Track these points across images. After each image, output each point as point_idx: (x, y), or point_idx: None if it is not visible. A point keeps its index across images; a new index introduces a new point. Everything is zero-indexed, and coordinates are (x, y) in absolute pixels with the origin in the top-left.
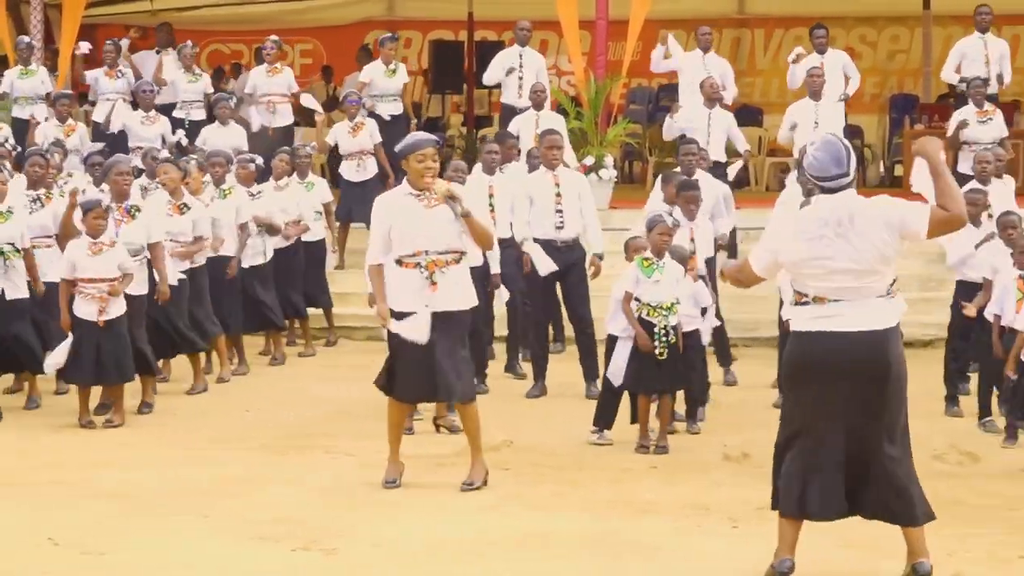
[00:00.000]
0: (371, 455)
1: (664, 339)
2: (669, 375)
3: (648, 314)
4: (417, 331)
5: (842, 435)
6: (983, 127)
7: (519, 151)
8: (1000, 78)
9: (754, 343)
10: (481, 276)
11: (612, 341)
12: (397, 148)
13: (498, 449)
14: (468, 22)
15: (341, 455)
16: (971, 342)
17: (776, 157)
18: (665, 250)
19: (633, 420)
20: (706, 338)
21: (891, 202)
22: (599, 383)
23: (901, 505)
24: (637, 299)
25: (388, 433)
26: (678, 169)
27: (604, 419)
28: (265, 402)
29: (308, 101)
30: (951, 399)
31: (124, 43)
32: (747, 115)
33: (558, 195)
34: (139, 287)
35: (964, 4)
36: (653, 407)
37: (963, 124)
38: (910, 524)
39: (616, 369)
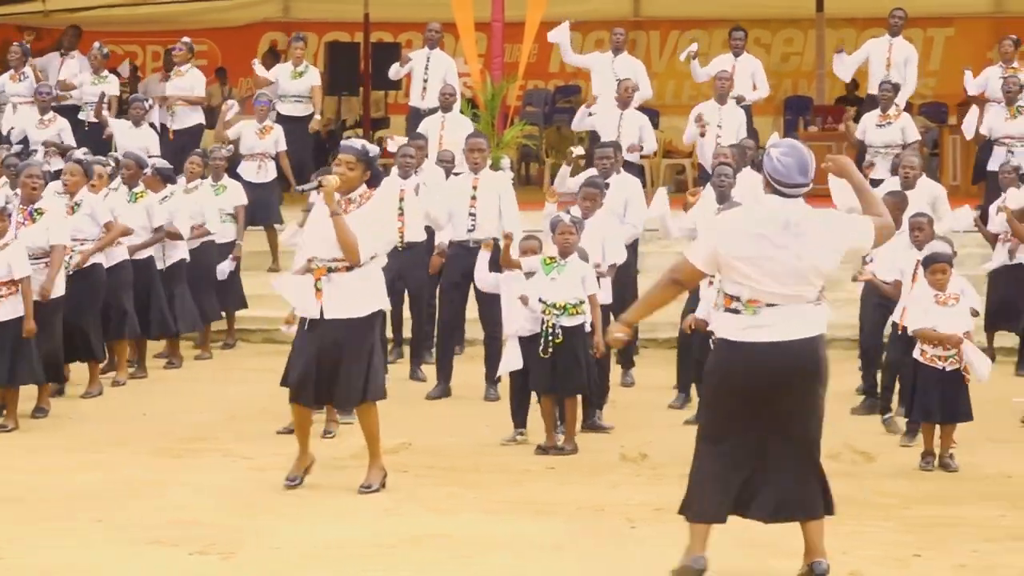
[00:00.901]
0: (268, 458)
1: (550, 339)
2: (561, 376)
3: (544, 312)
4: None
5: (768, 440)
6: (881, 131)
7: (426, 153)
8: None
9: (651, 344)
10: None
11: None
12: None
13: (396, 451)
14: (364, 24)
15: (238, 458)
16: (881, 340)
17: (672, 159)
18: (570, 250)
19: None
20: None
21: (841, 220)
22: (499, 387)
23: (808, 503)
24: (541, 299)
25: (295, 432)
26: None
27: (518, 418)
28: (162, 405)
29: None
30: (867, 394)
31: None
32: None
33: (473, 198)
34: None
35: (856, 7)
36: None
37: (847, 116)
38: (815, 517)
39: (504, 363)
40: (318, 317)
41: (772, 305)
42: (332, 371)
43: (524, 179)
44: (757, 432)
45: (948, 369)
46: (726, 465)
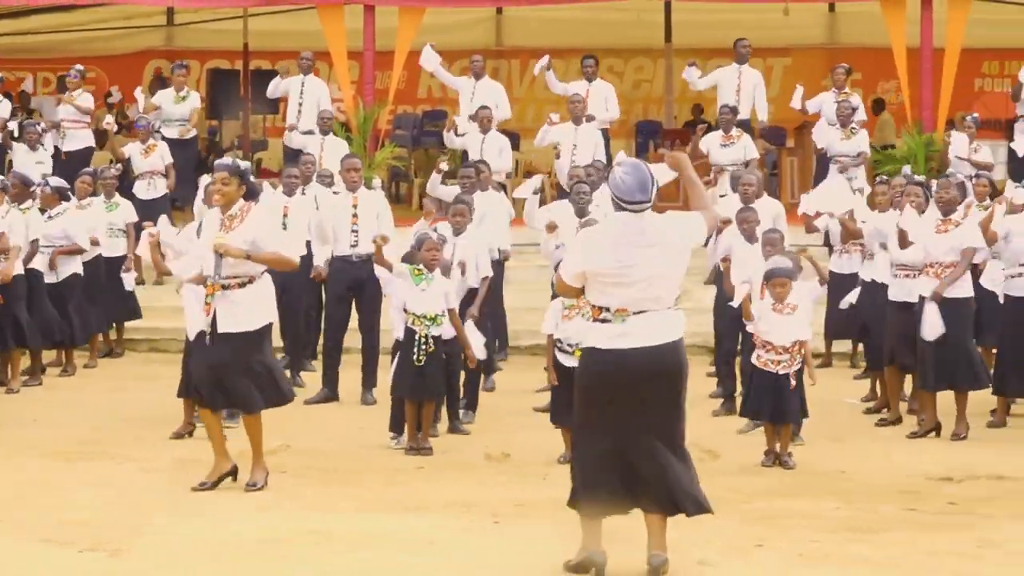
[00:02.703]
0: (156, 461)
1: (423, 348)
2: (429, 383)
3: (413, 323)
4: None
5: (639, 438)
6: (725, 150)
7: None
8: (752, 112)
9: (513, 351)
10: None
11: (397, 347)
12: None
13: (276, 453)
14: (244, 52)
15: (127, 461)
16: (736, 345)
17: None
18: (435, 265)
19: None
20: (480, 354)
21: (679, 221)
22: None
23: (688, 498)
24: (406, 309)
25: (211, 437)
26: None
27: (396, 424)
28: (54, 412)
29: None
30: (725, 398)
31: None
32: None
33: (355, 216)
34: None
35: (702, 38)
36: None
37: (699, 131)
38: (699, 512)
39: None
40: (210, 331)
41: (639, 312)
42: (229, 381)
43: (394, 198)
44: (629, 431)
45: (780, 373)
46: (604, 463)
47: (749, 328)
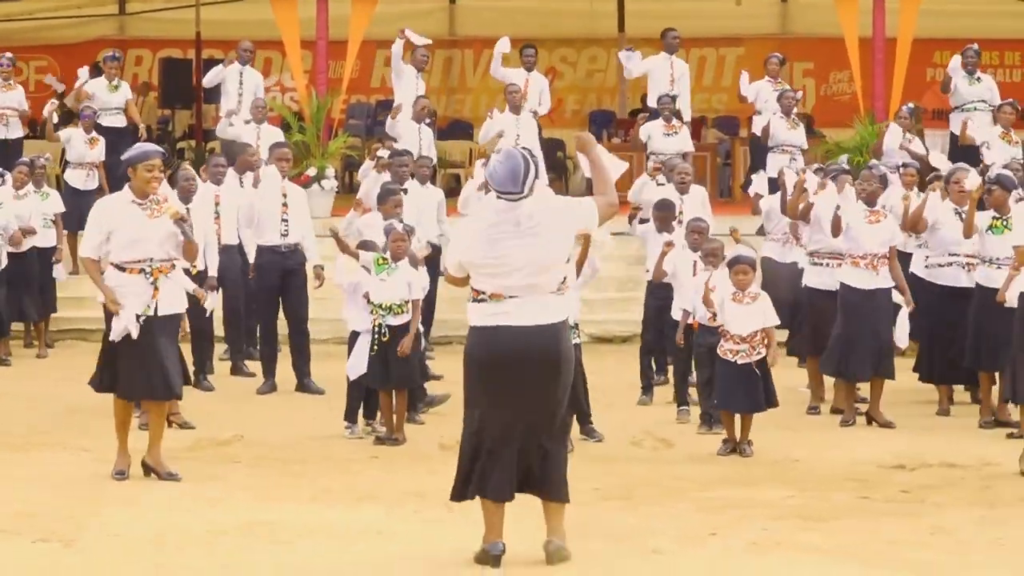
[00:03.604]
0: (107, 451)
1: (378, 336)
2: (394, 372)
3: (373, 312)
4: (126, 328)
5: (516, 422)
6: (668, 139)
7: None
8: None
9: (464, 340)
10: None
11: (354, 337)
12: (124, 156)
13: (228, 443)
14: (196, 41)
15: (78, 451)
16: (664, 336)
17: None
18: (401, 255)
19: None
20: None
21: (565, 203)
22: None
23: (554, 486)
24: (368, 299)
25: (116, 429)
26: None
27: (351, 414)
28: (2, 402)
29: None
30: (645, 389)
31: None
32: (459, 129)
33: (284, 205)
34: None
35: (655, 27)
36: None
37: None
38: (558, 501)
39: (354, 363)
40: (153, 314)
41: (513, 297)
42: (162, 363)
43: (348, 187)
44: (510, 414)
45: (740, 363)
46: (486, 446)
47: (705, 319)
